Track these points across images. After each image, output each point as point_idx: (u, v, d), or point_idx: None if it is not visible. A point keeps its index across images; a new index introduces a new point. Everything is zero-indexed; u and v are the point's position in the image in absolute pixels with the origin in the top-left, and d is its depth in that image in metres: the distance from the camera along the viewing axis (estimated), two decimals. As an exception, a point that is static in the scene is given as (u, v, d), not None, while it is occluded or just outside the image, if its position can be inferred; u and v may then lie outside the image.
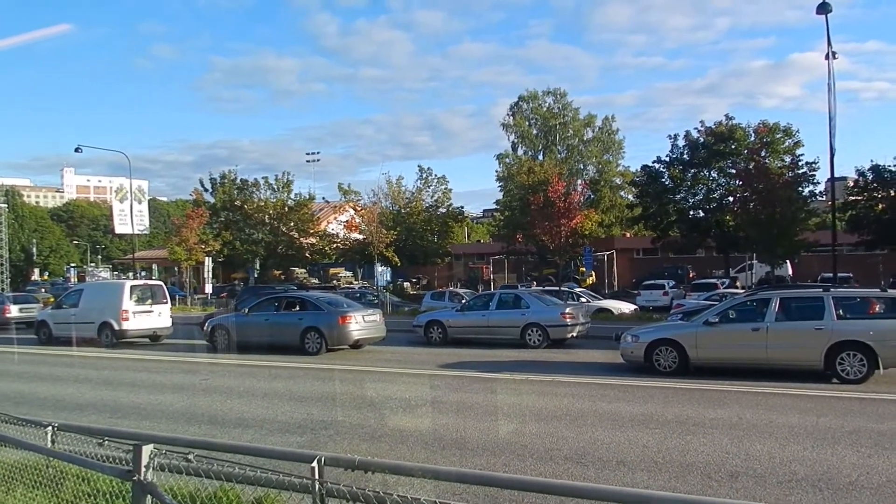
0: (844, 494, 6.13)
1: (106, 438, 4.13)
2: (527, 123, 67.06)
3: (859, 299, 12.96)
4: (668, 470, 6.89)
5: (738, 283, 36.90)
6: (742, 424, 8.82)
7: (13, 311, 28.53)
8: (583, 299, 27.30)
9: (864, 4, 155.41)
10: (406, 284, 51.35)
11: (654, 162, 45.31)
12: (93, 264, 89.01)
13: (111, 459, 3.90)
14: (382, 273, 44.81)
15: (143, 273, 55.20)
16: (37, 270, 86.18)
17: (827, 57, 21.24)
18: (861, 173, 40.04)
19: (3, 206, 61.88)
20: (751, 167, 35.55)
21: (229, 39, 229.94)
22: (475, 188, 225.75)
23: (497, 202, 58.02)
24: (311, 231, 51.51)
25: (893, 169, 38.75)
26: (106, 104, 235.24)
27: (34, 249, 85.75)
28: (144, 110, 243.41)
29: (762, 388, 11.32)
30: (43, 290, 53.32)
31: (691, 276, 43.67)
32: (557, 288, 31.10)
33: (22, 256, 79.22)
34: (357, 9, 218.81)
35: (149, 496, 3.24)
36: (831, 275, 24.12)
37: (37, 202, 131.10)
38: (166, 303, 21.97)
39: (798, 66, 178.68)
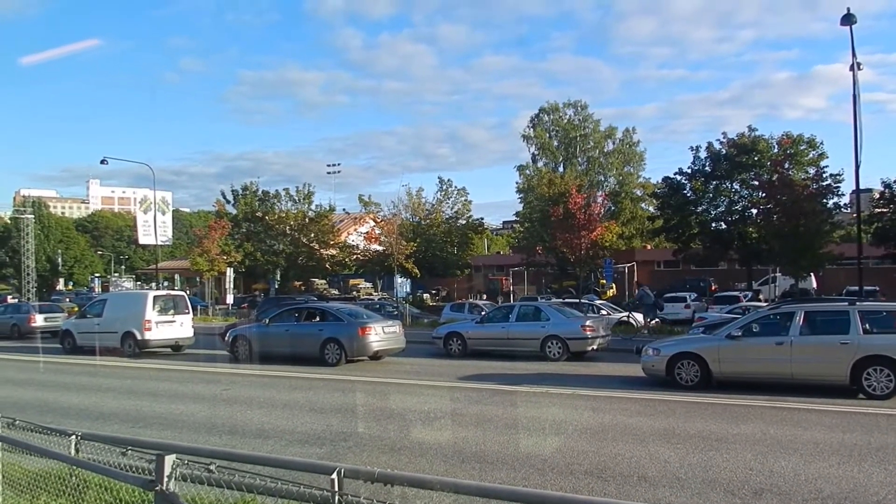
0: (872, 513, 6.01)
1: (129, 448, 4.16)
2: (547, 135, 67.09)
3: (886, 313, 12.73)
4: (691, 486, 6.80)
5: (760, 296, 36.46)
6: (766, 440, 8.69)
7: (38, 320, 28.95)
8: (603, 312, 27.11)
9: (890, 16, 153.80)
10: (425, 296, 51.40)
11: (675, 173, 45.08)
12: (116, 274, 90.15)
13: (134, 469, 3.93)
14: (402, 284, 44.93)
15: (166, 283, 55.80)
16: (62, 280, 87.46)
17: (852, 68, 21.02)
18: (887, 185, 39.52)
19: (29, 216, 62.92)
20: (774, 179, 35.20)
21: (255, 53, 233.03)
22: (495, 200, 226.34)
23: (517, 214, 58.05)
24: (332, 242, 51.83)
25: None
26: (134, 117, 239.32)
27: (59, 259, 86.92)
28: (171, 122, 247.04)
29: (786, 404, 11.15)
30: (67, 299, 53.95)
31: (713, 288, 43.23)
32: (578, 300, 30.95)
33: (47, 266, 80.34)
34: (381, 23, 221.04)
35: (170, 506, 3.26)
36: (857, 288, 23.72)
37: (62, 213, 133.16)
38: (188, 313, 22.16)
39: (823, 77, 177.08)
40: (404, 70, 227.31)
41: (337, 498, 3.35)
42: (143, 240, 48.86)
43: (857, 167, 21.60)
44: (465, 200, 50.58)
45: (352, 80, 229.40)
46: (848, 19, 20.60)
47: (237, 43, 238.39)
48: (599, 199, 44.59)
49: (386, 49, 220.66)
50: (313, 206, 52.69)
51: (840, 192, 37.43)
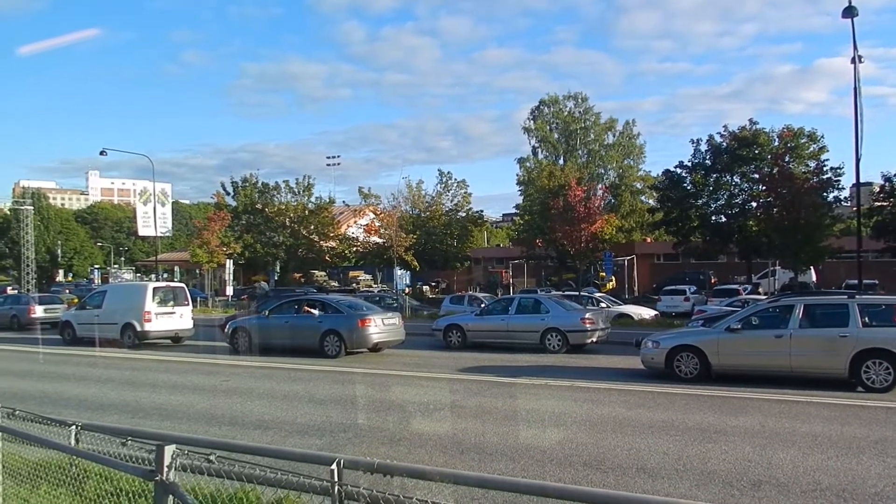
0: (870, 505, 6.03)
1: (129, 438, 4.17)
2: (548, 128, 67.01)
3: (885, 306, 12.74)
4: (689, 478, 6.82)
5: (760, 290, 36.48)
6: (764, 432, 8.71)
7: (38, 311, 28.96)
8: (603, 304, 27.14)
9: (892, 11, 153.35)
10: (425, 288, 51.41)
11: (676, 166, 44.97)
12: (116, 266, 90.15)
13: (134, 459, 3.93)
14: (402, 276, 44.93)
15: (166, 275, 55.78)
16: (61, 272, 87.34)
17: (853, 61, 21.01)
18: (887, 178, 39.43)
19: (29, 208, 62.82)
20: (774, 172, 35.16)
21: (258, 46, 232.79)
22: (496, 192, 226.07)
23: (517, 206, 57.95)
24: (332, 234, 51.78)
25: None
26: (135, 109, 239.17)
27: (59, 251, 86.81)
28: (172, 115, 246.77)
29: (785, 396, 11.17)
30: (67, 291, 54.01)
31: (713, 281, 43.27)
32: (577, 293, 30.97)
33: (47, 258, 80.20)
34: (384, 16, 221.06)
35: (170, 496, 3.26)
36: (856, 281, 23.74)
37: (62, 204, 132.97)
38: (188, 305, 22.17)
39: (825, 71, 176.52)
40: (407, 63, 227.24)
41: (336, 489, 3.35)
42: (142, 231, 48.79)
43: (858, 160, 21.61)
44: (465, 193, 50.48)
45: (354, 73, 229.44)
46: (849, 12, 20.58)
47: (239, 36, 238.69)
48: (599, 192, 44.57)
49: (388, 42, 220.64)
50: (313, 199, 52.65)
51: (840, 186, 37.44)
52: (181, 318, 21.49)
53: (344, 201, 57.82)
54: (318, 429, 9.26)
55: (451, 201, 50.27)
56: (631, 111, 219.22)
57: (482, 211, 55.15)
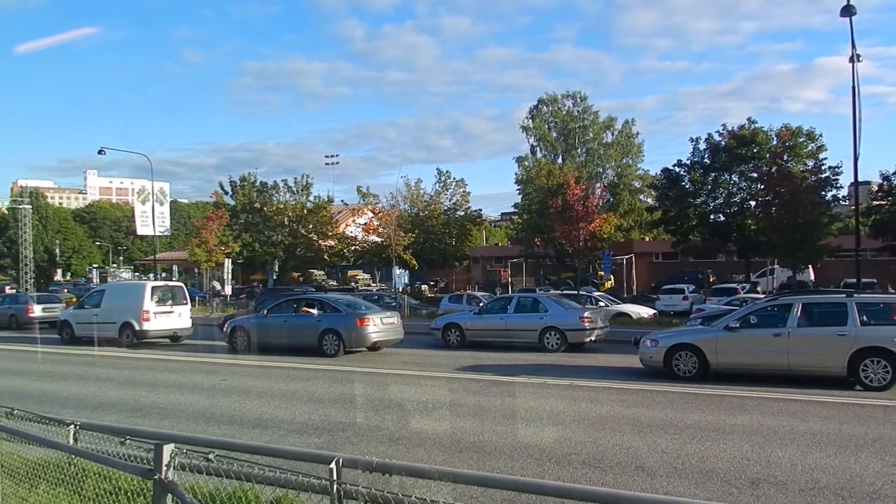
0: (868, 503, 6.04)
1: (127, 437, 4.16)
2: (546, 126, 67.01)
3: (883, 305, 12.76)
4: (688, 476, 6.82)
5: (758, 288, 36.51)
6: (763, 431, 8.72)
7: (37, 310, 28.95)
8: (601, 303, 27.14)
9: (891, 9, 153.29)
10: (424, 287, 51.40)
11: (674, 165, 45.00)
12: (114, 265, 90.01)
13: (133, 458, 3.93)
14: (400, 275, 44.91)
15: (164, 274, 55.74)
16: (60, 271, 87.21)
17: (851, 60, 20.99)
18: (885, 177, 39.49)
19: (27, 207, 62.76)
20: (773, 171, 35.19)
21: (258, 45, 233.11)
22: (495, 191, 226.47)
23: (516, 205, 57.96)
24: (330, 233, 51.76)
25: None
26: (134, 107, 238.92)
27: (57, 250, 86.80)
28: (172, 113, 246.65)
29: (783, 395, 11.18)
30: (66, 290, 53.94)
31: (711, 280, 43.30)
32: (576, 291, 30.97)
33: (45, 257, 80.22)
34: (384, 14, 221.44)
35: (169, 495, 3.26)
36: (855, 280, 23.76)
37: (60, 203, 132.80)
38: (186, 304, 22.16)
39: (824, 69, 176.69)
40: (407, 61, 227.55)
41: (335, 487, 3.35)
42: (141, 230, 48.74)
43: (856, 159, 21.65)
44: (464, 192, 50.48)
45: (354, 70, 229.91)
46: (848, 10, 20.57)
47: (240, 34, 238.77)
48: (598, 191, 44.57)
49: (389, 40, 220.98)
50: (312, 198, 52.63)
51: (838, 185, 37.50)
52: (180, 318, 21.49)
53: (343, 200, 57.89)
54: (317, 428, 9.26)
55: (450, 200, 50.29)
56: (631, 109, 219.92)
57: (481, 210, 55.26)
